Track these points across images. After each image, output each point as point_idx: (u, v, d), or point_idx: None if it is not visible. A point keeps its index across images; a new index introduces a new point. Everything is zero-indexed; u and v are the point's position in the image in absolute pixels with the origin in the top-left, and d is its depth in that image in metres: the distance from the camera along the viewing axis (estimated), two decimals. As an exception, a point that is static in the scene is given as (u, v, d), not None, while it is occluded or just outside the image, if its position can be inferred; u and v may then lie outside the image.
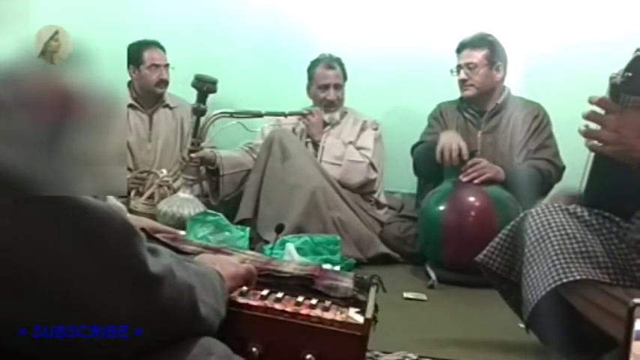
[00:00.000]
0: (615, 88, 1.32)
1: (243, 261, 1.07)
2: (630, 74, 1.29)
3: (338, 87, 3.08)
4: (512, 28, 3.11)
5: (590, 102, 1.32)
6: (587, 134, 1.34)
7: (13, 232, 0.57)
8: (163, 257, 0.69)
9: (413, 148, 2.99)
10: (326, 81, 3.07)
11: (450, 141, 2.65)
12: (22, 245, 0.57)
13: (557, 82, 3.15)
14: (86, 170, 0.63)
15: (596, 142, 1.34)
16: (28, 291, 0.58)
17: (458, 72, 2.87)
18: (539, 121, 2.84)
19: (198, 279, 0.76)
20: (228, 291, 0.90)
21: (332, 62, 3.07)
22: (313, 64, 3.11)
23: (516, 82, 2.96)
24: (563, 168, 2.79)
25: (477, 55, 2.83)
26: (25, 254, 0.57)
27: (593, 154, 1.43)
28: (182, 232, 1.41)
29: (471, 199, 2.56)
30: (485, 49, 2.83)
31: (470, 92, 2.86)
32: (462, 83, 2.86)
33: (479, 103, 2.90)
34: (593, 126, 1.34)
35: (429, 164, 2.78)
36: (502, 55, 2.87)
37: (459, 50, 2.87)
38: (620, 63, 1.34)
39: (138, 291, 0.64)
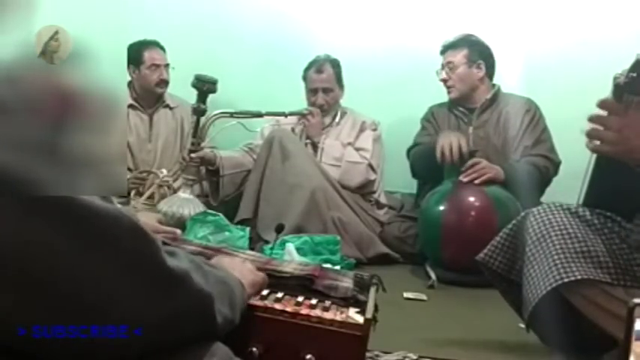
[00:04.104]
0: (619, 89, 1.32)
1: (258, 268, 1.06)
2: (634, 75, 1.29)
3: (327, 91, 3.07)
4: (511, 28, 3.13)
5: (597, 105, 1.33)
6: (590, 134, 1.34)
7: (23, 235, 0.56)
8: (181, 261, 0.69)
9: (408, 150, 3.01)
10: (314, 85, 3.08)
11: (450, 139, 2.66)
12: (32, 249, 0.57)
13: (557, 82, 3.16)
14: (86, 170, 0.62)
15: (598, 142, 1.34)
16: (39, 294, 0.58)
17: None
18: (532, 115, 2.86)
19: (219, 287, 0.75)
20: (247, 299, 0.90)
21: (322, 66, 3.07)
22: (307, 68, 3.12)
23: (515, 82, 2.98)
24: (559, 163, 2.80)
25: (457, 55, 2.91)
26: (35, 258, 0.57)
27: (595, 155, 1.43)
28: (178, 231, 1.41)
29: (472, 198, 2.55)
30: (465, 48, 2.91)
31: (453, 94, 2.95)
32: (444, 83, 2.94)
33: (466, 101, 2.95)
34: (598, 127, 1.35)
35: (427, 166, 2.79)
36: (484, 53, 2.93)
37: (442, 52, 2.96)
38: (620, 63, 1.34)
39: (150, 292, 0.64)
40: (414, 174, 3.04)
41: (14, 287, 0.57)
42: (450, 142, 2.64)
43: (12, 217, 0.56)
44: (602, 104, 1.32)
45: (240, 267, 0.97)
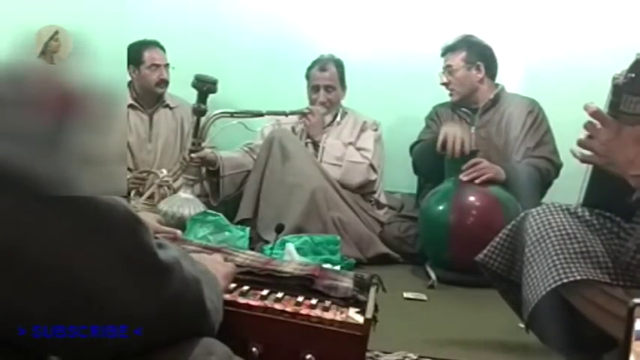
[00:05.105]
0: (618, 89, 1.33)
1: (225, 258, 1.08)
2: (633, 75, 1.30)
3: (329, 89, 3.08)
4: (514, 30, 3.13)
5: (585, 110, 1.35)
6: (581, 143, 1.38)
7: (19, 226, 0.56)
8: (171, 250, 0.69)
9: (411, 147, 3.02)
10: (316, 82, 3.09)
11: (454, 131, 2.66)
12: (29, 240, 0.57)
13: (558, 83, 3.16)
14: (86, 170, 0.63)
15: (587, 152, 1.38)
16: (36, 284, 0.58)
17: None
18: (535, 116, 2.86)
19: (203, 276, 0.76)
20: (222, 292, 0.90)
21: (326, 64, 3.08)
22: (311, 66, 3.12)
23: (517, 82, 2.98)
24: (561, 165, 2.80)
25: (455, 58, 2.92)
26: (32, 248, 0.57)
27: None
28: (179, 232, 1.41)
29: (477, 197, 2.55)
30: (463, 51, 2.92)
31: (454, 97, 2.96)
32: (446, 87, 2.95)
33: (468, 102, 2.96)
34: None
35: (429, 161, 2.79)
36: (483, 54, 2.93)
37: (442, 54, 2.97)
38: (620, 64, 1.34)
39: (146, 280, 0.64)
40: (416, 170, 3.05)
41: (11, 278, 0.57)
42: (453, 135, 2.64)
43: (8, 209, 0.56)
44: (593, 114, 1.34)
45: (211, 262, 0.97)
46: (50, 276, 0.58)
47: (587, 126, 1.36)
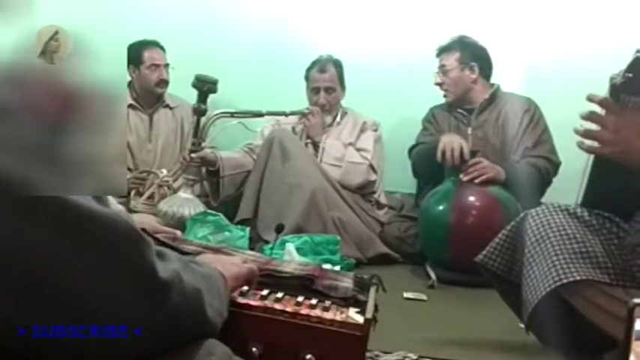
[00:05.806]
0: (615, 89, 1.32)
1: (245, 261, 1.07)
2: (630, 75, 1.29)
3: (329, 90, 3.08)
4: (513, 30, 3.13)
5: (590, 100, 1.31)
6: (587, 134, 1.32)
7: (20, 239, 0.56)
8: (171, 262, 0.69)
9: (410, 150, 3.02)
10: (316, 84, 3.08)
11: (452, 141, 2.67)
12: (29, 252, 0.57)
13: (557, 83, 3.16)
14: (86, 170, 0.62)
15: (594, 143, 1.33)
16: (35, 297, 0.58)
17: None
18: (532, 115, 2.86)
19: (205, 282, 0.76)
20: (230, 291, 0.90)
21: (325, 65, 3.08)
22: (310, 67, 3.12)
23: (516, 82, 2.98)
24: (559, 164, 2.81)
25: (449, 59, 2.93)
26: (32, 261, 0.57)
27: (593, 156, 1.43)
28: (179, 232, 1.41)
29: (477, 197, 2.55)
30: (457, 51, 2.93)
31: (448, 98, 2.98)
32: (440, 87, 2.96)
33: (463, 102, 2.96)
34: (591, 127, 1.33)
35: (428, 165, 2.80)
36: (477, 54, 2.94)
37: (437, 55, 2.98)
38: (619, 64, 1.34)
39: (146, 297, 0.64)
40: (415, 173, 3.05)
41: (12, 290, 0.57)
42: (451, 144, 2.64)
43: (9, 220, 0.56)
44: (599, 102, 1.30)
45: (224, 261, 0.97)
46: (49, 290, 0.58)
47: (592, 117, 1.31)
